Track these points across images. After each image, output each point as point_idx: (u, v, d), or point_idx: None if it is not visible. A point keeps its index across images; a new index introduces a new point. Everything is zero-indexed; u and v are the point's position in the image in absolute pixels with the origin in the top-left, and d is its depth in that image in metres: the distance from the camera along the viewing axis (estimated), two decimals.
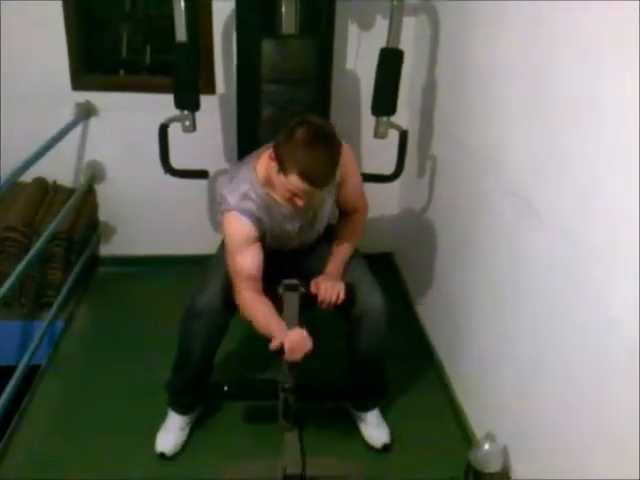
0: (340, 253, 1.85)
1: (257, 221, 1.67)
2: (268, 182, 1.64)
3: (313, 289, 1.74)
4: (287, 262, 1.87)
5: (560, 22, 1.46)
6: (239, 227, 1.66)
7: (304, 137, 1.49)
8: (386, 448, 1.95)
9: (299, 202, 1.57)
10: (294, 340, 1.60)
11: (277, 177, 1.55)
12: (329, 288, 1.72)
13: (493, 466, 1.67)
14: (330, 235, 1.89)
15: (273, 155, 1.55)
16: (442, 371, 2.31)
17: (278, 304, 1.78)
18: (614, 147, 1.23)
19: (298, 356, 1.61)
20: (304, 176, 1.49)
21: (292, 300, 1.74)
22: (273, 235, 1.76)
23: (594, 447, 1.35)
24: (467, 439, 2.00)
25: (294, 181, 1.50)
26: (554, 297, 1.50)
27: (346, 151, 1.69)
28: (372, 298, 1.79)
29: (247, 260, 1.67)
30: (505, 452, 1.70)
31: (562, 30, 1.45)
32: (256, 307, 1.68)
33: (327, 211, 1.81)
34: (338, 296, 1.72)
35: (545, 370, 1.56)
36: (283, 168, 1.52)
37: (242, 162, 1.79)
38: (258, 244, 1.70)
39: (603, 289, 1.30)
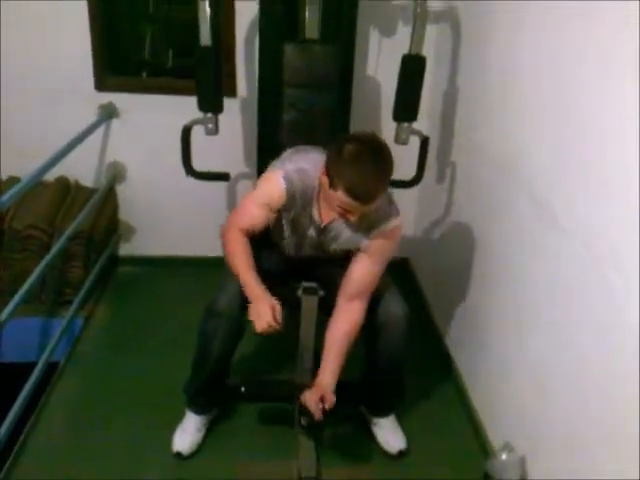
0: (332, 359, 1.74)
1: (291, 198, 1.67)
2: (322, 189, 1.64)
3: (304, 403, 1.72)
4: (304, 265, 1.88)
5: (582, 27, 1.46)
6: (272, 187, 1.68)
7: (350, 153, 1.49)
8: (402, 454, 1.95)
9: (351, 217, 1.58)
10: (261, 313, 1.63)
11: (329, 192, 1.56)
12: (315, 404, 1.69)
13: (511, 476, 1.66)
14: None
15: (325, 170, 1.56)
16: (459, 379, 2.30)
17: (296, 306, 1.79)
18: (635, 154, 1.23)
19: (263, 327, 1.63)
20: (349, 192, 1.49)
21: (311, 303, 1.74)
22: (293, 226, 1.77)
23: (611, 454, 1.34)
24: (483, 448, 1.99)
25: (341, 196, 1.51)
26: (573, 305, 1.50)
27: (395, 230, 1.70)
28: (394, 307, 1.79)
29: (255, 217, 1.70)
30: (523, 462, 1.69)
31: (584, 35, 1.45)
32: (238, 252, 1.71)
33: (343, 245, 1.77)
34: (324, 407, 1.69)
35: (562, 379, 1.55)
36: (332, 184, 1.53)
37: (317, 148, 1.78)
38: (272, 215, 1.71)
39: (620, 295, 1.30)
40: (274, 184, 1.68)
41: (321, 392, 1.70)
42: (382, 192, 1.53)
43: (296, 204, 1.70)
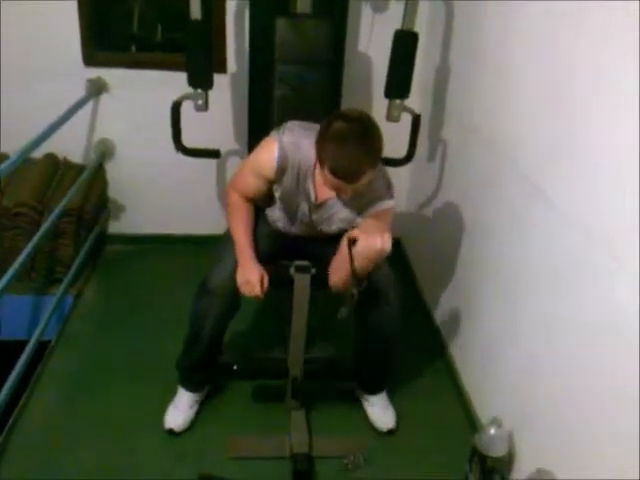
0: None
1: (280, 170, 1.67)
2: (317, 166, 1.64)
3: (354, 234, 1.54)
4: (296, 243, 1.88)
5: (577, 8, 1.45)
6: (265, 156, 1.69)
7: (335, 132, 1.48)
8: (391, 432, 1.97)
9: (344, 195, 1.58)
10: (249, 281, 1.71)
11: (320, 169, 1.55)
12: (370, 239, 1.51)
13: (498, 450, 1.68)
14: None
15: (315, 148, 1.55)
16: (448, 355, 2.33)
17: (289, 285, 1.79)
18: (627, 134, 1.23)
19: (248, 293, 1.72)
20: (334, 172, 1.49)
21: (303, 281, 1.74)
22: (284, 200, 1.76)
23: (596, 431, 1.37)
24: (472, 424, 2.02)
25: (328, 175, 1.51)
26: (563, 284, 1.51)
27: (386, 212, 1.68)
28: (385, 284, 1.79)
29: (249, 183, 1.75)
30: (510, 437, 1.71)
31: (579, 11, 1.44)
32: (237, 215, 1.79)
33: (335, 225, 1.77)
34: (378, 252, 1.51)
35: (551, 357, 1.57)
36: (320, 162, 1.53)
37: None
38: (265, 185, 1.73)
39: (613, 278, 1.30)
40: (267, 153, 1.68)
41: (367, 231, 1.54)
42: (369, 171, 1.51)
43: (287, 177, 1.69)
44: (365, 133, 1.49)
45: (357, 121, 1.50)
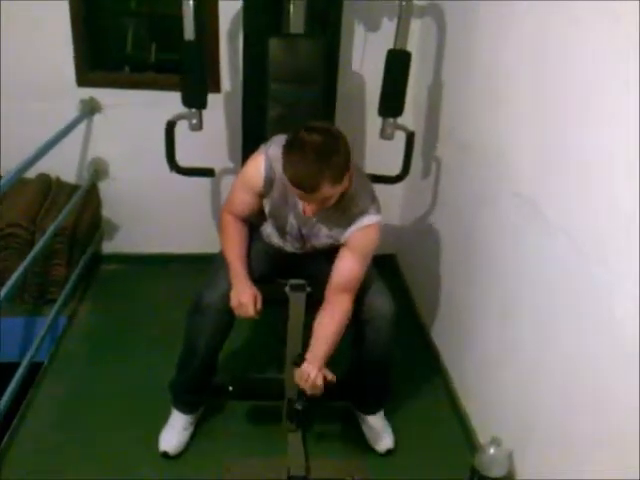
0: (320, 344, 1.69)
1: (268, 182, 1.68)
2: None
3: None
4: (292, 261, 1.87)
5: (567, 22, 1.46)
6: (252, 169, 1.71)
7: (295, 142, 1.49)
8: (389, 452, 1.95)
9: (311, 206, 1.56)
10: (243, 303, 1.69)
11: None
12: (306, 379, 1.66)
13: (498, 471, 1.67)
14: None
15: None
16: (446, 373, 2.31)
17: (284, 303, 1.78)
18: (621, 149, 1.23)
19: (242, 314, 1.70)
20: (290, 180, 1.50)
21: (299, 300, 1.73)
22: (273, 214, 1.76)
23: (597, 448, 1.35)
24: (470, 443, 2.00)
25: (289, 184, 1.52)
26: (558, 299, 1.51)
27: (372, 227, 1.66)
28: (381, 303, 1.78)
29: (240, 200, 1.77)
30: (510, 457, 1.70)
31: (569, 30, 1.45)
32: (229, 236, 1.79)
33: (324, 240, 1.76)
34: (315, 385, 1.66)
35: (548, 373, 1.56)
36: (283, 170, 1.53)
37: None
38: (255, 199, 1.74)
39: (607, 292, 1.30)
40: (254, 166, 1.70)
41: (313, 368, 1.66)
42: (326, 184, 1.48)
43: (275, 189, 1.69)
44: (325, 146, 1.48)
45: (319, 133, 1.49)
